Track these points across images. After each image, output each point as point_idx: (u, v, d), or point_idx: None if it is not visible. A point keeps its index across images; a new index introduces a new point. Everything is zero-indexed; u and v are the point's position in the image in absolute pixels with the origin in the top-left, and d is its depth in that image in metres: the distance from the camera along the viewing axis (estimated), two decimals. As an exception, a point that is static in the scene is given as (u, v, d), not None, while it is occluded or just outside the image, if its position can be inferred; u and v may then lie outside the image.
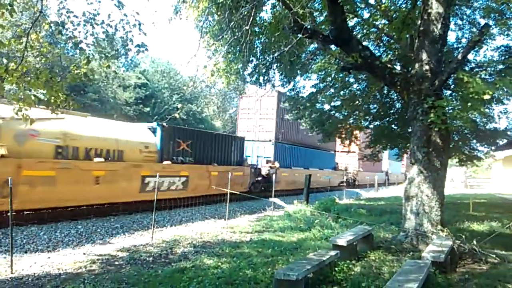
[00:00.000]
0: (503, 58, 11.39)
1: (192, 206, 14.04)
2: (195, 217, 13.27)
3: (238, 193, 14.68)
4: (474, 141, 16.58)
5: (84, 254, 7.54)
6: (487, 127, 14.98)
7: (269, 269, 6.20)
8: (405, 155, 26.39)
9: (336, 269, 5.99)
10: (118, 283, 5.48)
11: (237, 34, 8.57)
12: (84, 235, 9.84)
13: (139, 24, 5.91)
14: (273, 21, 9.21)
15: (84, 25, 5.68)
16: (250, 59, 10.17)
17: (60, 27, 5.54)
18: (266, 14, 10.92)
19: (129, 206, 12.89)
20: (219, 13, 9.07)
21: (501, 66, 10.98)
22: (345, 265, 6.16)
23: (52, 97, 5.75)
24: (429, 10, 8.03)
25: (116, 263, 6.78)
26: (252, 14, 7.82)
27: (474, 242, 7.66)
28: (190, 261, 6.80)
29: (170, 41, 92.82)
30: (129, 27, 5.87)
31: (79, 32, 5.74)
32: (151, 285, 5.43)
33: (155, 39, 78.22)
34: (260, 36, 9.51)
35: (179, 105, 9.06)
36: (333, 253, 6.32)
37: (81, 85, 29.35)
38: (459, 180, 45.38)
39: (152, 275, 5.94)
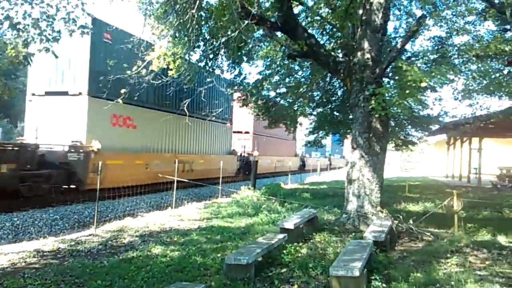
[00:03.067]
0: (436, 48, 12.09)
1: (137, 195, 13.69)
2: (140, 206, 12.95)
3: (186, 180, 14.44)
4: (409, 126, 17.60)
5: (22, 248, 7.12)
6: (422, 113, 15.92)
7: (219, 255, 6.22)
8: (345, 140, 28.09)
9: (284, 251, 6.13)
10: (62, 276, 5.25)
11: (182, 18, 8.37)
12: (21, 227, 9.29)
13: (82, 4, 5.59)
14: (219, 6, 9.09)
15: (22, 4, 5.24)
16: (198, 44, 10.00)
17: None
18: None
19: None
20: (163, -5, 8.80)
21: (434, 56, 11.67)
22: (293, 247, 6.31)
23: None
24: (371, 0, 8.31)
25: (58, 255, 6.47)
26: (198, -2, 7.67)
27: (411, 221, 8.15)
28: (137, 251, 6.64)
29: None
30: (71, 7, 5.53)
31: (16, 12, 5.29)
32: (97, 276, 5.25)
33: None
34: (207, 20, 9.37)
35: (122, 91, 8.75)
36: (281, 236, 6.47)
37: (12, 69, 27.25)
38: (395, 164, 48.00)
39: (98, 266, 5.74)
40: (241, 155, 25.49)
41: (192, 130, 18.52)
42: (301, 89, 15.23)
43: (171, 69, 9.91)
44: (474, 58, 10.57)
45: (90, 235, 8.10)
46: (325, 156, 50.77)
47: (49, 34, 5.29)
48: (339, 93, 16.53)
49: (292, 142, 36.72)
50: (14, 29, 5.06)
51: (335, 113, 17.49)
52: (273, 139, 30.21)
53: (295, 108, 16.61)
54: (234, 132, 25.40)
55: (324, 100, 16.86)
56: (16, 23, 5.02)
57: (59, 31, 5.41)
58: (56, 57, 5.90)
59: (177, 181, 11.95)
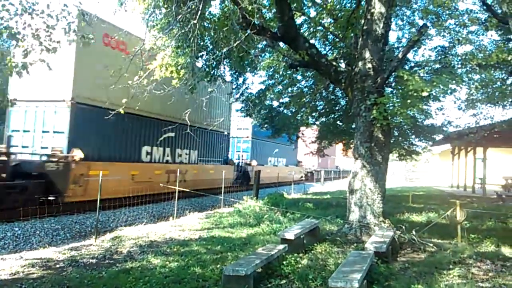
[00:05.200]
0: (439, 58, 12.06)
1: (139, 205, 13.66)
2: (141, 216, 12.92)
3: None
4: (413, 136, 17.50)
5: (22, 257, 7.10)
6: (425, 123, 15.83)
7: (218, 266, 6.17)
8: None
9: (284, 262, 6.07)
10: (59, 286, 5.22)
11: (185, 28, 8.41)
12: (22, 237, 9.27)
13: (83, 15, 5.64)
14: (221, 16, 9.14)
15: (22, 14, 5.29)
16: (200, 54, 10.02)
17: None
18: (215, 9, 10.81)
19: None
20: (166, 6, 8.85)
21: (437, 66, 11.65)
22: (293, 258, 6.25)
23: None
24: (372, 10, 8.32)
25: (57, 266, 6.44)
26: (200, 9, 7.70)
27: (413, 232, 8.08)
28: (136, 261, 6.61)
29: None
30: (72, 17, 5.57)
31: (16, 22, 5.33)
32: (95, 287, 5.22)
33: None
34: (209, 31, 9.41)
35: (124, 100, 8.74)
36: (281, 247, 6.42)
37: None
38: (400, 174, 47.72)
39: (96, 277, 5.71)
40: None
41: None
42: (304, 99, 15.23)
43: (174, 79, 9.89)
44: (477, 68, 10.52)
45: (90, 245, 8.07)
46: (223, 159, 23.36)
47: (48, 45, 5.32)
48: (342, 102, 16.51)
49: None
50: (13, 39, 5.09)
51: (338, 122, 17.46)
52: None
53: (298, 118, 16.59)
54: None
55: (327, 109, 16.85)
56: (15, 33, 5.05)
57: (58, 41, 5.43)
58: (50, 69, 5.86)
59: (179, 191, 11.93)
